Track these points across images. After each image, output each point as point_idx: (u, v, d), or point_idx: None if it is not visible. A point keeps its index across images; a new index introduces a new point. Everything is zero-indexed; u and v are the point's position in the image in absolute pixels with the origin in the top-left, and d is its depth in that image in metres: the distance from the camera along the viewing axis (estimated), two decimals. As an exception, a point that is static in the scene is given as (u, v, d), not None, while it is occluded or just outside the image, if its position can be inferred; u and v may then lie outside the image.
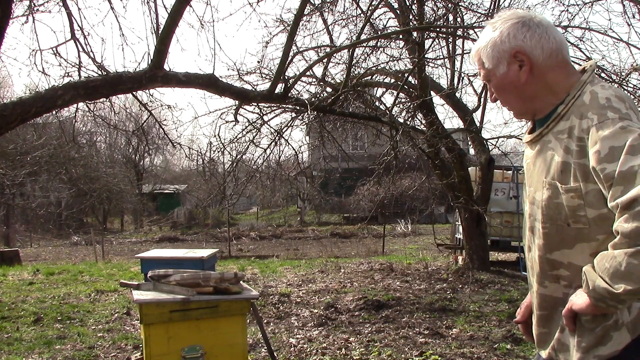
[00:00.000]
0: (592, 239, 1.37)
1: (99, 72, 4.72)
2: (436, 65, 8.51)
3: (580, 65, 1.58)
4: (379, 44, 7.30)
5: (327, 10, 7.73)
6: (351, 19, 7.92)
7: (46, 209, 19.40)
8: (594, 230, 1.36)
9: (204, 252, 4.90)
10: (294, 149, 8.64)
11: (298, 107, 6.73)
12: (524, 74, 1.47)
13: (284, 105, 7.04)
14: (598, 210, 1.34)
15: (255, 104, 6.92)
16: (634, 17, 6.45)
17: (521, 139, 1.63)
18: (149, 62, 4.57)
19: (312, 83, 7.65)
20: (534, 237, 1.49)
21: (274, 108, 7.69)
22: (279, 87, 5.39)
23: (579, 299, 1.37)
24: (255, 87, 6.49)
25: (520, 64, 1.46)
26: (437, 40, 7.78)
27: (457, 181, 8.12)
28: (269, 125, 8.03)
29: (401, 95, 7.82)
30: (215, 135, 8.09)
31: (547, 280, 1.47)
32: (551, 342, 1.50)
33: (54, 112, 6.37)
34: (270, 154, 8.33)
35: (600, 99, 1.36)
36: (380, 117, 6.81)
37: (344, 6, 9.29)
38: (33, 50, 5.38)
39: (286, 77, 5.77)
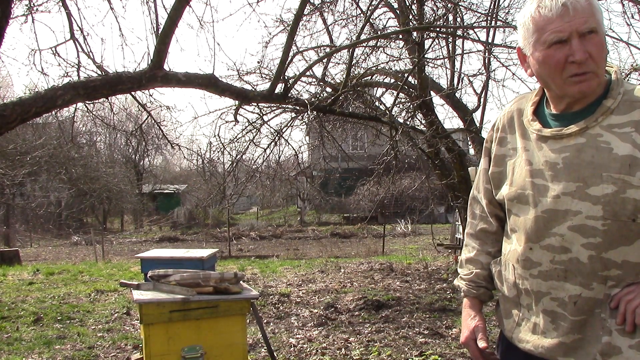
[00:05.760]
0: None
1: (99, 72, 4.71)
2: (436, 65, 8.51)
3: None
4: (379, 44, 7.30)
5: (327, 10, 7.73)
6: (351, 19, 7.92)
7: (46, 209, 19.40)
8: None
9: (204, 252, 4.89)
10: (294, 149, 8.66)
11: (298, 107, 6.73)
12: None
13: (284, 105, 7.04)
14: None
15: (255, 104, 6.91)
16: (633, 17, 6.44)
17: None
18: (149, 62, 4.56)
19: (312, 83, 7.65)
20: (580, 236, 1.36)
21: (274, 108, 7.69)
22: (279, 87, 5.38)
23: None
24: (255, 87, 6.48)
25: None
26: (437, 40, 7.77)
27: (457, 181, 8.12)
28: (269, 125, 8.05)
29: (401, 95, 7.81)
30: (215, 135, 8.12)
31: (596, 281, 1.36)
32: (592, 348, 1.36)
33: (53, 112, 6.36)
34: (270, 154, 8.35)
35: None
36: (380, 117, 6.80)
37: (344, 6, 9.31)
38: (32, 50, 5.34)
39: (286, 77, 5.76)
